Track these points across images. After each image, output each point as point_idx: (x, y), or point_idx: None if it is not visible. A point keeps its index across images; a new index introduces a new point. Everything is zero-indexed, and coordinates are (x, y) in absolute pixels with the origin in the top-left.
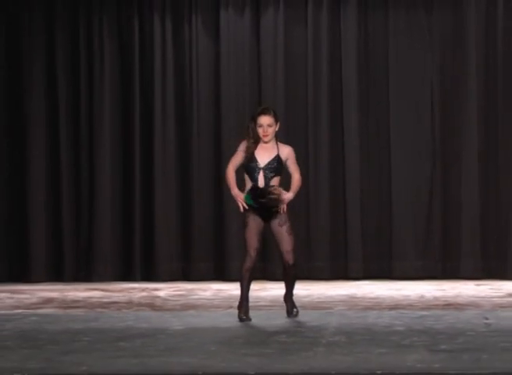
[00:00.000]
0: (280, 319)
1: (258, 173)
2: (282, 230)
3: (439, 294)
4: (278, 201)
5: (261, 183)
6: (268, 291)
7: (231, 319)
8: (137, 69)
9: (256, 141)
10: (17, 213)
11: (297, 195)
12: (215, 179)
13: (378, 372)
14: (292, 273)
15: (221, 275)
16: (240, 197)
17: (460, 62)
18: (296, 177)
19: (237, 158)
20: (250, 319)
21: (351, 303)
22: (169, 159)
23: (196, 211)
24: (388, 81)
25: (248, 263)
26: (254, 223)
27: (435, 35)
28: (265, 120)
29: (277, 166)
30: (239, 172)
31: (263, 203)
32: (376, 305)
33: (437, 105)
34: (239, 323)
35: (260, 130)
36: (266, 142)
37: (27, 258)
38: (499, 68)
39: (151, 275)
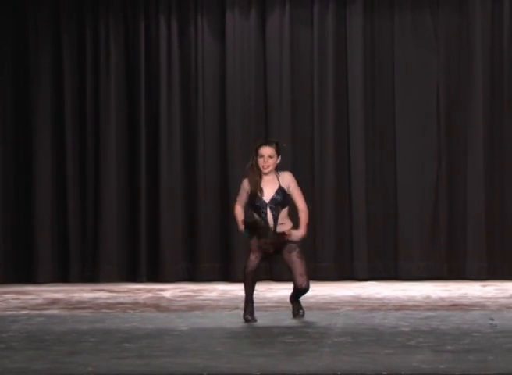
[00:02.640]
0: (286, 320)
1: (265, 208)
2: (292, 255)
3: (444, 294)
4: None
5: (270, 218)
6: (274, 292)
7: (237, 319)
8: (143, 70)
9: (259, 172)
10: (23, 214)
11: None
12: (221, 179)
13: (384, 373)
14: (302, 294)
15: (227, 276)
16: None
17: (466, 62)
18: (301, 208)
19: (242, 198)
20: (255, 320)
21: (357, 304)
22: (175, 160)
23: (202, 212)
24: (393, 82)
25: (250, 266)
26: None
27: (440, 36)
28: (266, 151)
29: (282, 199)
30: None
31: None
32: (382, 306)
33: (442, 105)
34: (244, 324)
35: (260, 161)
36: (266, 173)
37: (33, 259)
38: (505, 68)
39: (156, 276)
